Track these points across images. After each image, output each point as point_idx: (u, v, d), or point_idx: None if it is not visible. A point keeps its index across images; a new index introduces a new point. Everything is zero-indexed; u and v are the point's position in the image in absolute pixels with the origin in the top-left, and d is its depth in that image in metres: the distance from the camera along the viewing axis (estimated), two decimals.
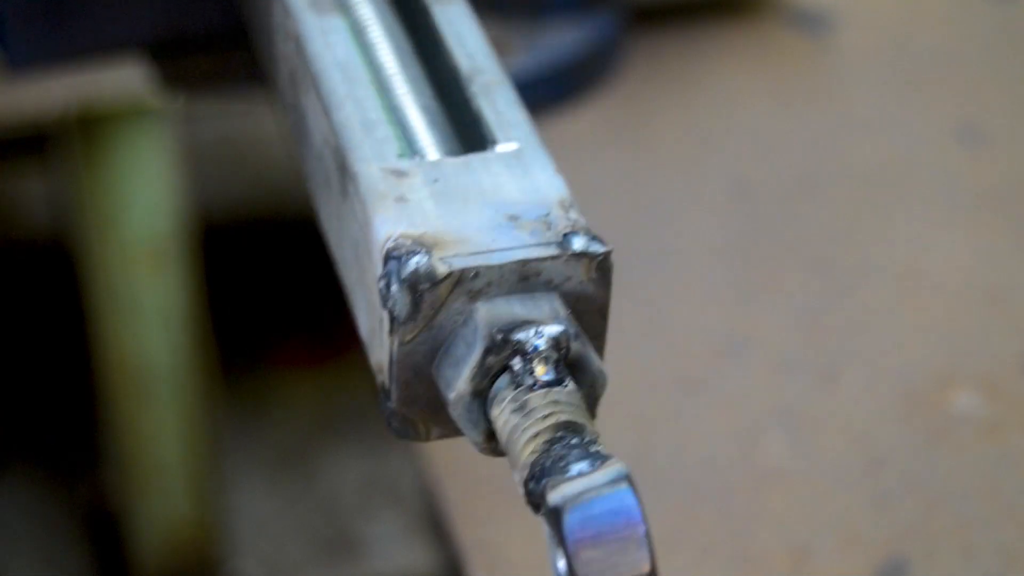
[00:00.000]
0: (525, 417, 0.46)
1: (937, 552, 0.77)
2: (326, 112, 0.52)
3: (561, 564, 0.45)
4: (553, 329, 0.46)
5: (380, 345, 0.48)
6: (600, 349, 0.49)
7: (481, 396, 0.47)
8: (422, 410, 0.49)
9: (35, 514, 1.77)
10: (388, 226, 0.47)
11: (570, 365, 0.47)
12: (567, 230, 0.48)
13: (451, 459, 0.84)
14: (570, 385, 0.47)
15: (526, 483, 0.45)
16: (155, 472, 1.64)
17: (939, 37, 1.16)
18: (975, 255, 0.95)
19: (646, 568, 0.44)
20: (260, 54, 0.59)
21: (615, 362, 0.90)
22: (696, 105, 1.10)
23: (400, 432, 0.49)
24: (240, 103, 0.76)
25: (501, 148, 0.51)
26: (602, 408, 0.89)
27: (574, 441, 0.45)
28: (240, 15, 0.63)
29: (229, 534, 1.75)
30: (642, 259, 0.97)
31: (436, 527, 1.13)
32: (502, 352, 0.46)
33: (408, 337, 0.47)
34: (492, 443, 0.48)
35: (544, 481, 0.45)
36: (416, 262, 0.46)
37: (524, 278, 0.47)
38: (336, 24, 0.55)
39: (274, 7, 0.57)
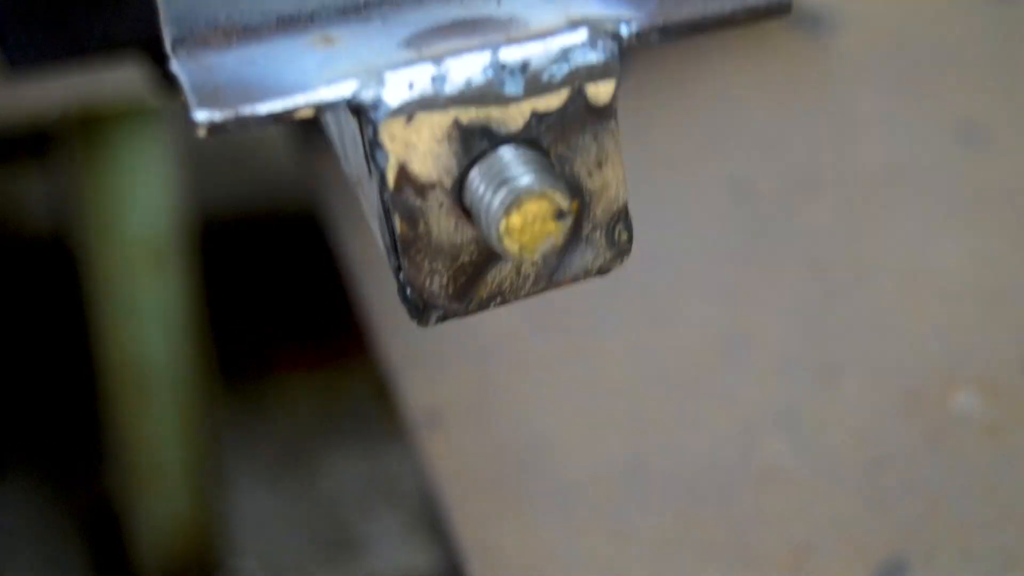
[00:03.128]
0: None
1: (937, 552, 0.77)
2: None
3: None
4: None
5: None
6: None
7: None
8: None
9: (35, 514, 1.77)
10: None
11: None
12: None
13: (451, 459, 0.84)
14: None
15: None
16: (155, 472, 1.64)
17: (939, 37, 1.16)
18: (975, 255, 0.95)
19: None
20: None
21: (615, 362, 0.90)
22: (696, 105, 1.10)
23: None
24: None
25: None
26: (602, 408, 0.89)
27: None
28: None
29: (229, 534, 1.75)
30: (641, 259, 0.96)
31: (436, 527, 1.13)
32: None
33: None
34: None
35: None
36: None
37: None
38: None
39: None
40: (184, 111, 0.42)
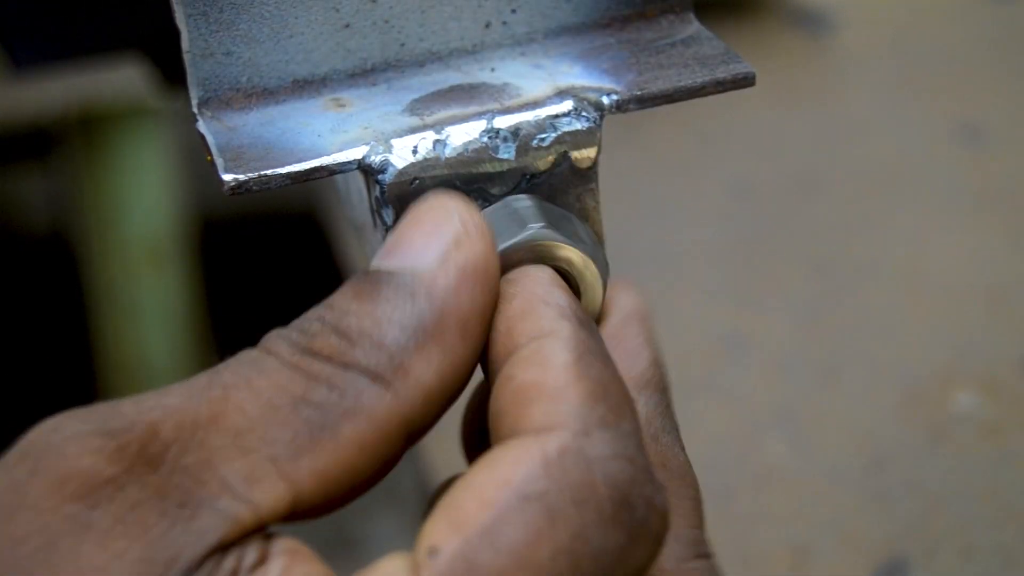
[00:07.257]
0: None
1: (937, 552, 0.77)
2: None
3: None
4: None
5: None
6: None
7: None
8: None
9: None
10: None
11: None
12: None
13: (451, 459, 0.84)
14: None
15: None
16: None
17: (939, 37, 1.16)
18: (975, 255, 0.95)
19: None
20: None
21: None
22: (696, 105, 1.10)
23: None
24: None
25: None
26: None
27: None
28: None
29: None
30: (641, 259, 0.97)
31: None
32: None
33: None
34: None
35: None
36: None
37: None
38: None
39: None
40: (212, 170, 0.45)
